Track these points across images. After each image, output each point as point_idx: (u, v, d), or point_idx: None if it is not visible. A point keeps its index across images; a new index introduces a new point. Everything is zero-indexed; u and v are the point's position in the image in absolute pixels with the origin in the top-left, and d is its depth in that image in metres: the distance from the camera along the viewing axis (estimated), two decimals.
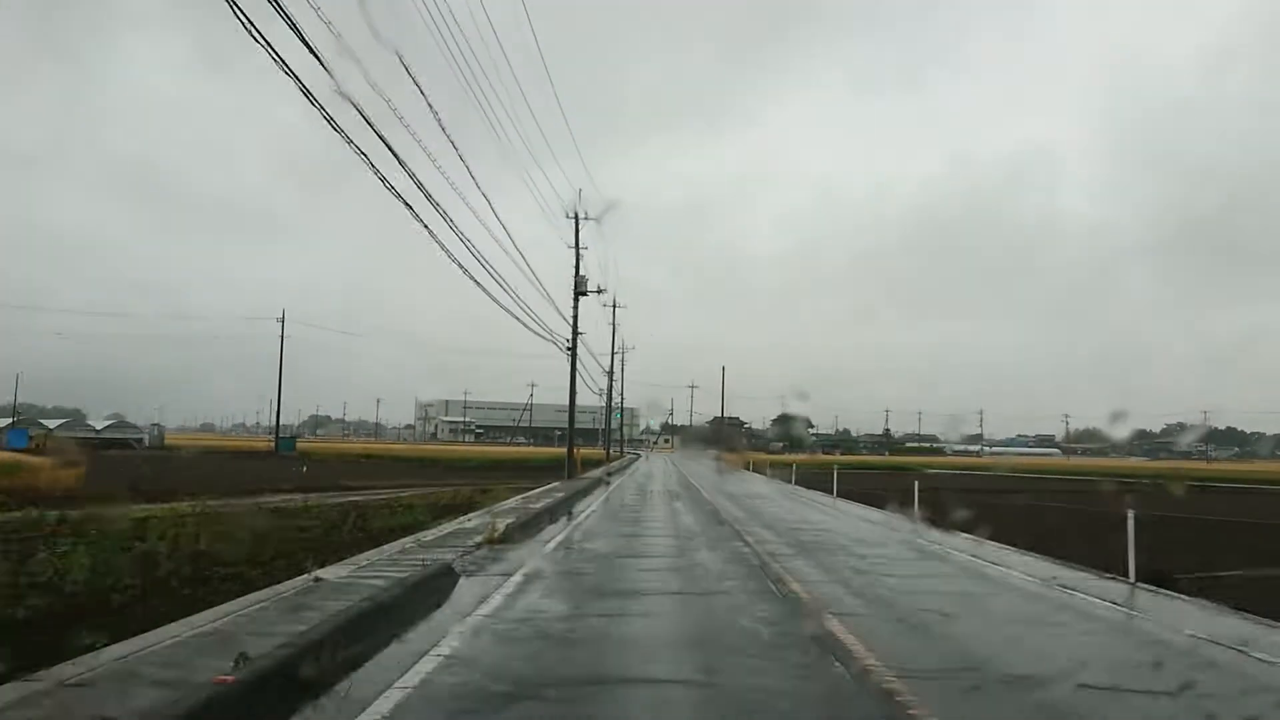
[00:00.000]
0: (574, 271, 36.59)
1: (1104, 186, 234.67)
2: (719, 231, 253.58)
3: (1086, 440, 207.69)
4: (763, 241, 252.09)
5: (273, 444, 68.30)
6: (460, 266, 18.80)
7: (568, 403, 39.48)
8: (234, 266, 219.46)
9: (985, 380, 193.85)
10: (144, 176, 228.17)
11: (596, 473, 41.41)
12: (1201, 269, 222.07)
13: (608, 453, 57.58)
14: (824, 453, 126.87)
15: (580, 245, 36.47)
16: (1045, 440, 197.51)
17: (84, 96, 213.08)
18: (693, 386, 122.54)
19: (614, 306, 51.25)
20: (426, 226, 15.36)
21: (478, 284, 20.96)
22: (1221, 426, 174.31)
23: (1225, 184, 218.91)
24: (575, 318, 37.22)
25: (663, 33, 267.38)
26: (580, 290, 36.79)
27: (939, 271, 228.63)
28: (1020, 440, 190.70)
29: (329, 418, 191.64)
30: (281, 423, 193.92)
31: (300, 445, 74.74)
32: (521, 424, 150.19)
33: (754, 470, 49.37)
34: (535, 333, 30.61)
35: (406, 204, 14.49)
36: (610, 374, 50.75)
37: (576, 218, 36.54)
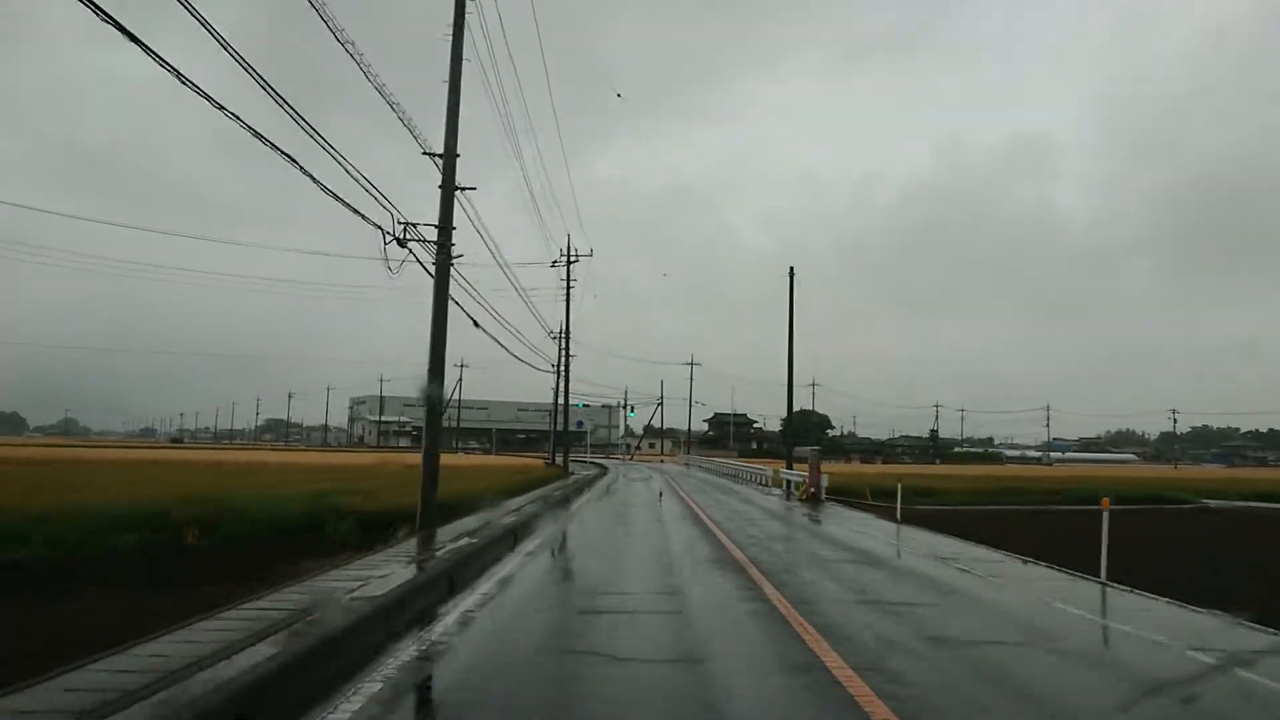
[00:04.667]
0: None
1: (1110, 180, 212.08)
2: (708, 224, 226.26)
3: (1122, 443, 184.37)
4: (754, 235, 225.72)
5: None
6: None
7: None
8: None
9: (1007, 380, 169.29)
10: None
11: None
12: (1226, 268, 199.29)
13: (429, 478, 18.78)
14: (862, 461, 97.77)
15: None
16: (1090, 444, 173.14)
17: None
18: (692, 363, 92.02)
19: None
20: None
21: None
22: (1263, 429, 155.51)
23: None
24: None
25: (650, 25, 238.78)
26: None
27: (960, 268, 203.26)
28: (1060, 444, 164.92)
29: (282, 421, 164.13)
30: (235, 428, 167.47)
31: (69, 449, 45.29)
32: (490, 424, 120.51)
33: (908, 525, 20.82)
34: None
35: None
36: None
37: None
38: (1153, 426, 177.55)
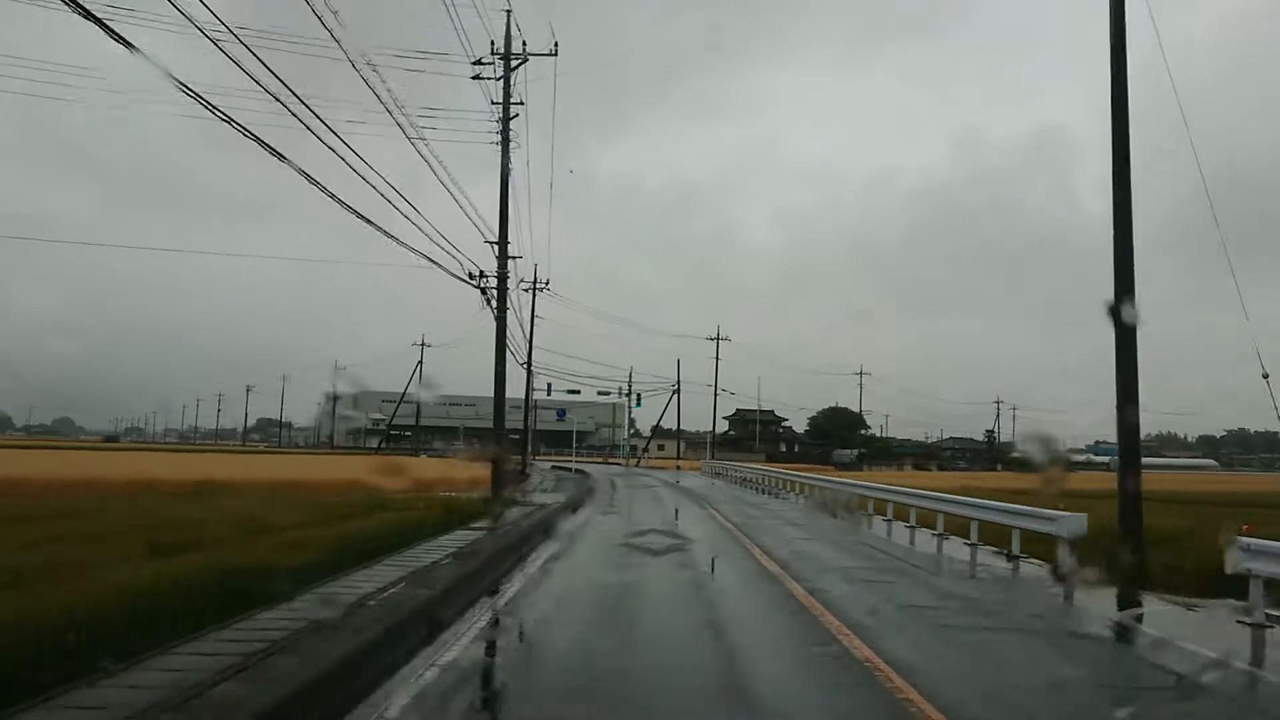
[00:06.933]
0: None
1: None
2: (718, 219, 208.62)
3: (1167, 445, 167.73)
4: (766, 232, 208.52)
5: None
6: None
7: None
8: None
9: (1029, 379, 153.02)
10: None
11: None
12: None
13: None
14: (915, 466, 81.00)
15: None
16: (1150, 446, 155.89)
17: None
18: (718, 338, 75.10)
19: None
20: None
21: None
22: None
23: None
24: None
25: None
26: None
27: (980, 265, 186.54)
28: (1103, 448, 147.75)
29: (272, 420, 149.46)
30: (225, 427, 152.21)
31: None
32: (474, 423, 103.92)
33: None
34: None
35: None
36: None
37: None
38: (1191, 428, 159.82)
